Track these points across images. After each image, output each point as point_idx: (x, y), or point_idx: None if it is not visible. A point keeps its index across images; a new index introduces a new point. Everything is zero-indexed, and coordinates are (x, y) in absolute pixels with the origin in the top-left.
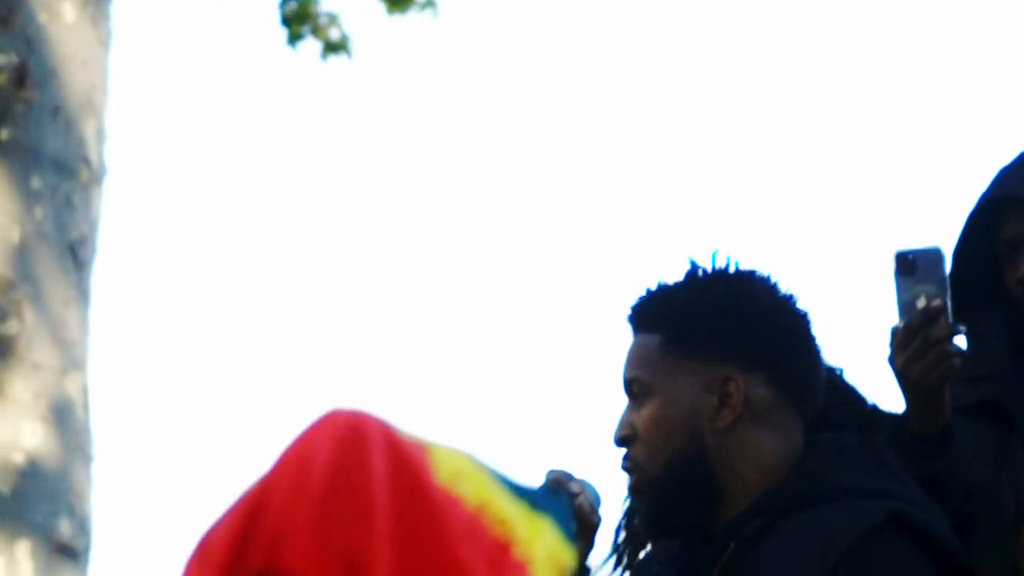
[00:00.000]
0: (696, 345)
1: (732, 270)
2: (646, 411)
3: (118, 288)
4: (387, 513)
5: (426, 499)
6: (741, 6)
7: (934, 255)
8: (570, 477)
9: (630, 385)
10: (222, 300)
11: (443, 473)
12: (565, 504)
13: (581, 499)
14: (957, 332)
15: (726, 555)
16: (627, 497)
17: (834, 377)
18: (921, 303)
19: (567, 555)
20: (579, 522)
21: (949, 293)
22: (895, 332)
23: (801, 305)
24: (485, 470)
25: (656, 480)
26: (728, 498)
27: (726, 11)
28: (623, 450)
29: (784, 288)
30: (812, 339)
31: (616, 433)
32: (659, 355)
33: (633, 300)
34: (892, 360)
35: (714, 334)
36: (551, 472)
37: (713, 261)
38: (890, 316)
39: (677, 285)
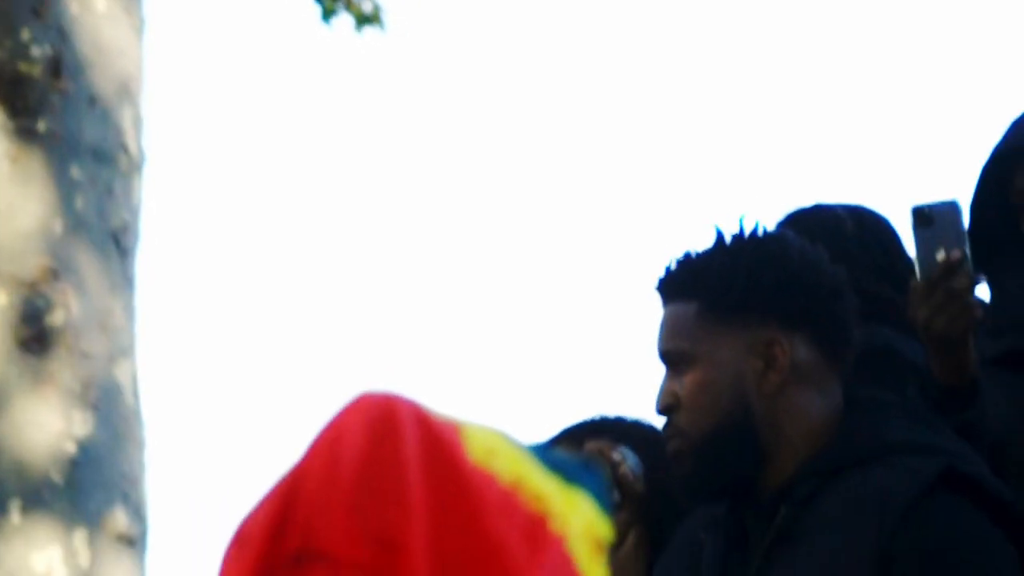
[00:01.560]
0: (735, 309)
1: (761, 233)
2: (689, 378)
3: (162, 274)
4: (421, 493)
5: (459, 477)
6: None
7: (951, 208)
8: (613, 446)
9: (668, 355)
10: (260, 282)
11: (476, 451)
12: (601, 477)
13: (624, 469)
14: (978, 282)
15: (778, 519)
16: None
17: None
18: (940, 256)
19: (604, 528)
20: (623, 492)
21: (968, 245)
22: (914, 286)
23: (832, 266)
24: (518, 447)
25: (700, 444)
26: (773, 461)
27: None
28: (664, 418)
29: (813, 249)
30: (846, 298)
31: (658, 402)
32: (697, 322)
33: (660, 271)
34: (914, 314)
35: (752, 296)
36: (592, 442)
37: (740, 226)
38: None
39: (708, 251)
